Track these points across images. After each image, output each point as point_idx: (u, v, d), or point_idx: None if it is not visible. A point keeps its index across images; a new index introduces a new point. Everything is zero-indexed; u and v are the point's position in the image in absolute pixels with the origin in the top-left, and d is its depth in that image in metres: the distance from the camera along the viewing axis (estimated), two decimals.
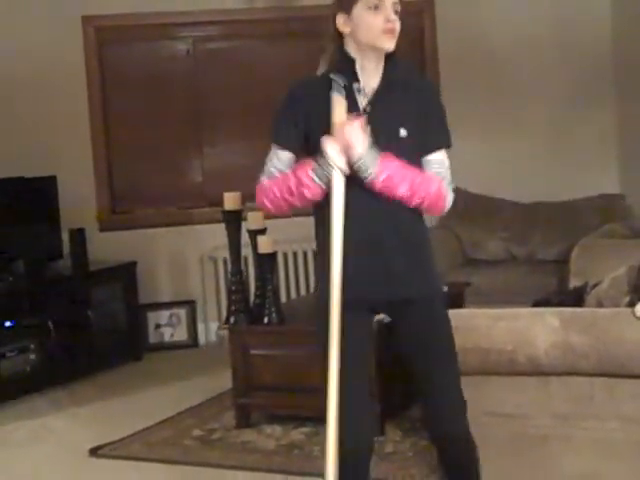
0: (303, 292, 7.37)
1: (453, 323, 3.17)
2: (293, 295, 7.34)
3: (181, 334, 7.32)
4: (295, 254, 7.38)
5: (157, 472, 4.74)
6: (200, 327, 7.39)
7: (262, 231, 5.38)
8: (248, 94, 7.48)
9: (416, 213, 3.00)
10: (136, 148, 7.44)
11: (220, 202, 5.58)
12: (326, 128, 2.88)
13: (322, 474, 4.35)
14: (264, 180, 3.03)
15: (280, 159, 3.02)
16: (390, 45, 2.90)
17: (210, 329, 7.39)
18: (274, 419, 5.28)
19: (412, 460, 4.58)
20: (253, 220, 5.42)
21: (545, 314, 3.66)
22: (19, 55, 7.05)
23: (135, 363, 6.94)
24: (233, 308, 5.33)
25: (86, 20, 7.23)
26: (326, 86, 2.95)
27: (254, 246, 5.36)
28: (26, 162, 6.84)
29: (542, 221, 7.17)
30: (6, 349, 6.05)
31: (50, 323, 6.26)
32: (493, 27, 7.38)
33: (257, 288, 5.43)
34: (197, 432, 5.23)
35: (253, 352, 5.20)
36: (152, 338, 7.28)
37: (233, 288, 5.37)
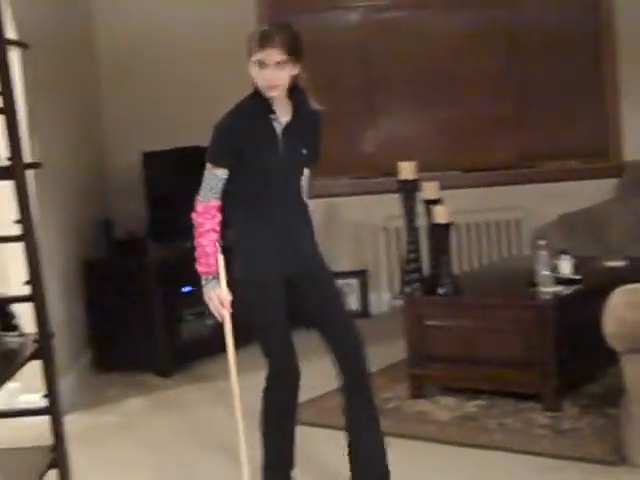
0: (475, 265, 7.28)
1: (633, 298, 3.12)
2: (465, 268, 7.25)
3: (353, 303, 7.35)
4: (468, 226, 7.30)
5: (330, 438, 4.76)
6: (372, 297, 7.40)
7: (437, 201, 5.34)
8: (420, 63, 7.43)
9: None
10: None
11: (393, 172, 5.56)
12: (257, 145, 3.65)
13: (498, 447, 4.32)
14: (202, 206, 3.70)
15: (218, 177, 3.70)
16: (273, 95, 3.64)
17: (382, 299, 7.39)
18: (447, 391, 5.25)
19: (590, 438, 4.47)
20: (429, 190, 5.38)
21: None
22: (195, 24, 7.17)
23: (307, 332, 6.99)
24: (408, 278, 5.32)
25: None
26: (257, 111, 3.69)
27: (429, 216, 5.32)
28: (203, 131, 6.92)
29: None
30: (185, 314, 6.21)
31: None
32: None
33: (432, 259, 5.40)
34: None
35: (428, 323, 5.17)
36: None
37: (408, 258, 5.34)
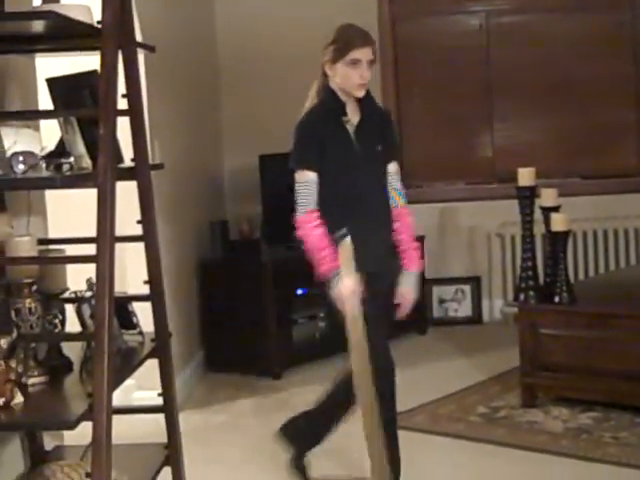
0: (592, 274, 7.15)
1: None
2: (581, 277, 7.13)
3: (465, 310, 7.30)
4: (585, 234, 7.17)
5: (441, 445, 4.75)
6: (484, 303, 7.33)
7: (556, 208, 5.25)
8: (540, 69, 7.34)
9: None
10: (426, 122, 7.46)
11: (509, 178, 5.50)
12: (333, 147, 3.76)
13: (613, 461, 4.23)
14: (302, 218, 3.76)
15: (310, 181, 3.75)
16: (361, 94, 3.76)
17: (494, 306, 7.31)
18: (560, 401, 5.17)
19: None
20: (547, 197, 5.31)
21: None
22: (312, 28, 7.09)
23: (419, 337, 6.98)
24: (523, 285, 5.24)
25: None
26: (329, 115, 3.79)
27: (547, 223, 5.24)
28: None
29: None
30: (298, 316, 6.24)
31: None
32: None
33: (547, 266, 5.32)
34: (482, 409, 5.20)
35: (543, 331, 5.10)
36: (436, 312, 7.30)
37: (524, 265, 5.27)
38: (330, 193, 3.75)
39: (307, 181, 3.75)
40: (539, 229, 5.75)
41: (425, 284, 7.12)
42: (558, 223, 5.08)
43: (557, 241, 5.13)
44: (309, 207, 3.73)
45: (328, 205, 3.76)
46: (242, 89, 7.22)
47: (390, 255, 3.91)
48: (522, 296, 5.22)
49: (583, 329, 4.96)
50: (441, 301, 7.31)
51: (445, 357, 6.34)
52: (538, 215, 5.35)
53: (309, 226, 3.71)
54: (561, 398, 5.18)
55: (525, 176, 5.26)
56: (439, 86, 7.44)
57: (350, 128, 3.79)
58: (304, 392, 5.74)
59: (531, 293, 5.21)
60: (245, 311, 6.15)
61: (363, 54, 3.70)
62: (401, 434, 4.85)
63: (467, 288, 7.29)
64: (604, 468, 4.33)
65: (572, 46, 7.31)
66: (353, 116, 3.80)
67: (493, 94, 7.42)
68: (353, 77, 3.71)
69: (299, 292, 6.23)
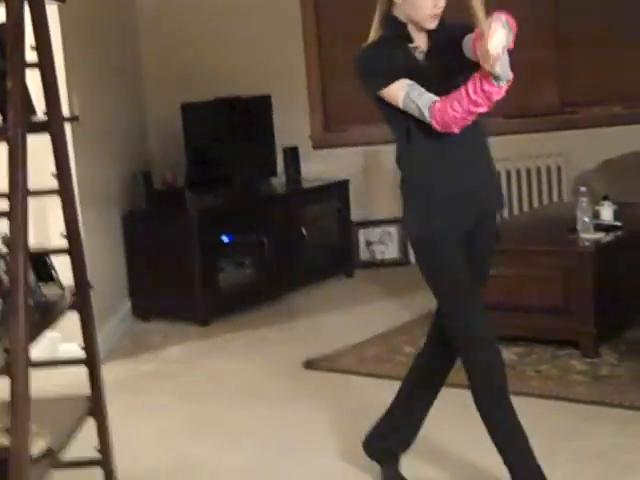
0: (516, 212, 7.25)
1: None
2: (505, 214, 7.22)
3: (392, 252, 7.35)
4: (508, 172, 7.25)
5: (369, 386, 4.81)
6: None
7: None
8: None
9: None
10: (350, 66, 7.41)
11: None
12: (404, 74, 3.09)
13: (535, 394, 4.32)
14: (430, 106, 3.02)
15: (407, 83, 3.09)
16: (433, 26, 3.13)
17: None
18: None
19: (629, 385, 4.47)
20: None
21: None
22: None
23: (347, 279, 7.04)
24: None
25: None
26: (396, 43, 3.18)
27: None
28: (242, 81, 6.97)
29: None
30: (224, 263, 6.25)
31: (265, 239, 6.41)
32: None
33: None
34: (409, 349, 5.25)
35: None
36: (363, 255, 7.35)
37: None
38: (404, 126, 3.14)
39: (404, 86, 3.07)
40: None
41: (351, 227, 7.18)
42: None
43: None
44: (431, 102, 3.01)
45: (401, 141, 3.22)
46: (161, 38, 7.14)
47: (490, 186, 3.35)
48: None
49: (506, 267, 5.02)
50: (368, 244, 7.35)
51: (372, 299, 6.39)
52: None
53: (448, 112, 2.98)
54: None
55: None
56: (364, 32, 7.37)
57: (419, 55, 3.18)
58: (231, 339, 5.79)
59: None
60: (171, 260, 6.13)
61: None
62: (328, 376, 4.97)
63: (393, 230, 7.33)
64: (528, 401, 4.39)
65: None
66: (421, 44, 3.19)
67: None
68: (425, 5, 3.09)
69: (225, 240, 6.23)
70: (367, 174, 7.38)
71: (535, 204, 7.26)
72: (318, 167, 7.22)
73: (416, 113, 3.07)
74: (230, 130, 6.87)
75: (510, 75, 2.90)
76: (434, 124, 3.03)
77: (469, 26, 3.00)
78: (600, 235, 5.06)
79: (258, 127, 6.98)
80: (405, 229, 3.54)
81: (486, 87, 2.91)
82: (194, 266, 6.08)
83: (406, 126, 3.16)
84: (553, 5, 7.33)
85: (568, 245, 5.05)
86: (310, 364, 5.12)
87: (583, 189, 5.17)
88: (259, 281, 6.43)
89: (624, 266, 5.12)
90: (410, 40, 3.18)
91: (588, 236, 5.04)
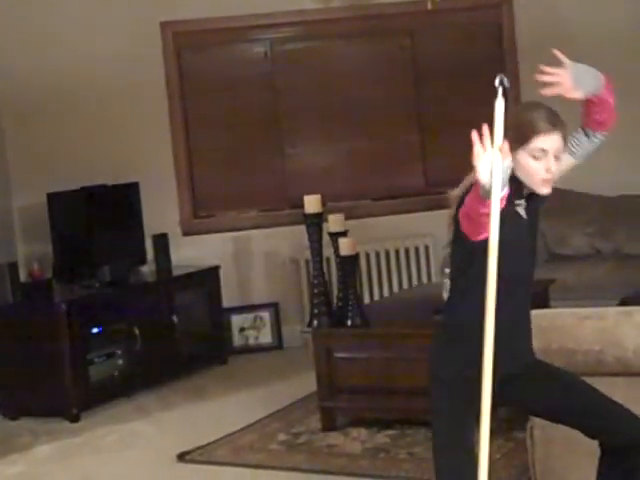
0: (386, 293, 7.33)
1: (540, 322, 3.34)
2: (376, 295, 7.30)
3: (265, 337, 7.33)
4: (378, 254, 7.35)
5: (244, 477, 4.76)
6: (285, 329, 7.38)
7: (343, 233, 5.37)
8: (327, 94, 7.47)
9: None
10: (217, 152, 7.48)
11: (301, 204, 5.57)
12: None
13: (409, 477, 4.33)
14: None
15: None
16: (545, 192, 3.02)
17: (295, 331, 7.38)
18: (359, 422, 5.25)
19: (500, 463, 4.52)
20: (334, 222, 5.41)
21: (633, 313, 3.57)
22: (99, 61, 7.13)
23: (220, 367, 6.97)
24: (316, 311, 5.33)
25: (164, 26, 7.28)
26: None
27: (336, 248, 5.34)
28: (108, 169, 6.94)
29: (627, 214, 6.98)
30: (94, 355, 6.13)
31: (136, 329, 6.33)
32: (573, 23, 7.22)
33: (339, 290, 5.42)
34: (283, 436, 5.23)
35: (337, 355, 5.18)
36: (237, 341, 7.31)
37: (315, 291, 5.38)
38: (478, 273, 2.75)
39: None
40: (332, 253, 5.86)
41: (223, 313, 7.15)
42: (345, 247, 5.19)
43: (346, 265, 5.24)
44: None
45: (467, 285, 3.05)
46: (26, 128, 7.07)
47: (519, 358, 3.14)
48: (315, 321, 5.31)
49: (375, 350, 5.07)
50: (241, 329, 7.32)
51: (246, 386, 6.34)
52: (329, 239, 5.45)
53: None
54: (360, 419, 5.27)
55: (311, 203, 5.36)
56: (228, 115, 7.45)
57: (521, 211, 3.07)
58: (104, 434, 5.66)
59: (324, 318, 5.30)
60: (39, 355, 5.98)
61: (553, 142, 2.96)
62: (202, 468, 4.90)
63: (266, 315, 7.33)
64: None
65: (356, 71, 7.48)
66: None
67: (282, 121, 7.49)
68: (536, 171, 2.98)
69: (95, 330, 6.12)
70: (238, 259, 7.38)
71: (405, 285, 7.35)
72: (188, 253, 7.19)
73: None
74: (98, 219, 6.80)
75: (498, 194, 2.56)
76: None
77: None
78: None
79: (126, 215, 6.93)
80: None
81: (473, 195, 2.68)
82: (63, 360, 5.95)
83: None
84: (414, 88, 7.51)
85: (434, 327, 5.09)
86: (183, 457, 5.03)
87: (447, 270, 5.26)
88: (131, 372, 6.32)
89: None
90: (521, 197, 3.05)
91: None
